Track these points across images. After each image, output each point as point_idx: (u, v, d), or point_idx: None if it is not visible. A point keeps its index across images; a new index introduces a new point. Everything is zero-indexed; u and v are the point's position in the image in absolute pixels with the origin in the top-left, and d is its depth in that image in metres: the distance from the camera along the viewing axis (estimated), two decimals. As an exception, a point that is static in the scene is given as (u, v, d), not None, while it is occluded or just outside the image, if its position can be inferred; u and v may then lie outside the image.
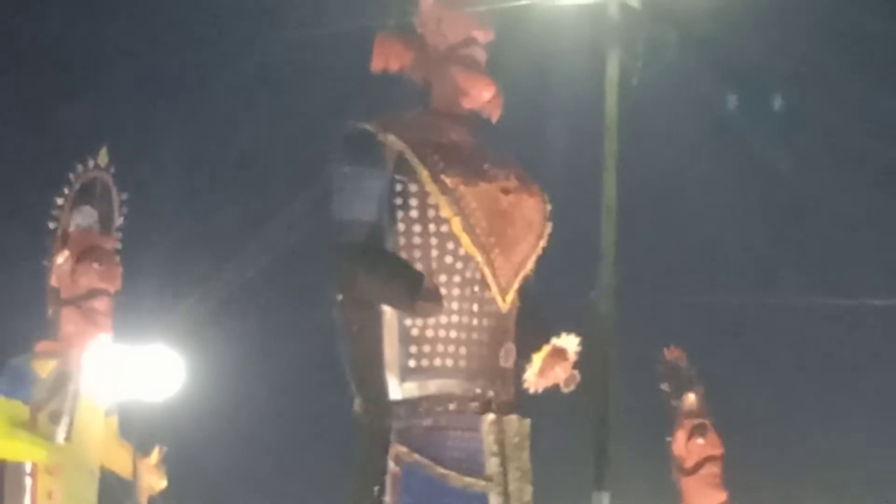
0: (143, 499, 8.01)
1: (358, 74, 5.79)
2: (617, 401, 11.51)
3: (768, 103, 16.14)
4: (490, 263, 5.39)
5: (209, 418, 11.13)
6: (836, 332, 15.92)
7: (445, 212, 5.33)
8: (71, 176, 8.05)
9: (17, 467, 7.57)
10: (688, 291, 15.42)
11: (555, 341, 5.41)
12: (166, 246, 11.92)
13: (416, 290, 5.17)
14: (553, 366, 5.39)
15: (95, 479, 7.72)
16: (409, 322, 5.31)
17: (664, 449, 11.01)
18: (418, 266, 5.30)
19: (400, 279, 5.24)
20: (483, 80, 5.57)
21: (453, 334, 5.34)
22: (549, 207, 5.66)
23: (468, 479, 5.29)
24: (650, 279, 15.08)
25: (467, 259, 5.37)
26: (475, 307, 5.38)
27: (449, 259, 5.35)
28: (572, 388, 5.48)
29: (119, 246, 8.07)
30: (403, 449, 5.28)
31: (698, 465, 10.80)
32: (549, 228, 5.63)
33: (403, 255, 5.32)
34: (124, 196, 8.12)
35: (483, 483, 5.31)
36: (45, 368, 7.66)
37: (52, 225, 7.99)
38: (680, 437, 10.92)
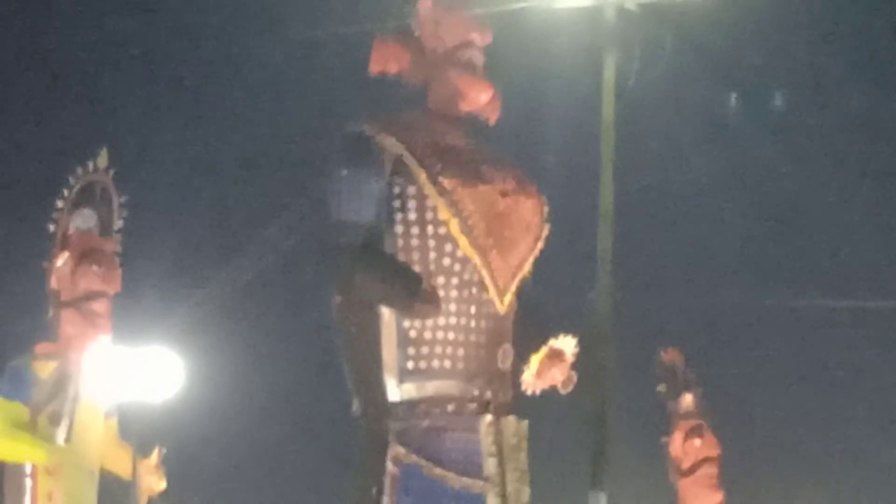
0: (143, 500, 8.00)
1: (356, 77, 5.80)
2: (614, 402, 11.52)
3: (764, 106, 16.17)
4: (488, 265, 5.39)
5: (208, 420, 11.12)
6: (832, 333, 15.95)
7: (443, 214, 5.34)
8: (70, 178, 8.02)
9: (17, 468, 7.56)
10: (684, 293, 15.45)
11: (552, 343, 5.40)
12: (166, 248, 11.92)
13: (414, 292, 5.19)
14: (551, 367, 5.38)
15: (95, 480, 7.71)
16: (407, 324, 5.31)
17: (661, 450, 11.04)
18: (416, 268, 5.31)
19: (398, 281, 5.26)
20: (481, 82, 5.57)
21: (451, 336, 5.34)
22: (546, 209, 5.67)
23: (466, 480, 5.29)
24: (647, 281, 15.10)
25: (465, 261, 5.37)
26: (473, 309, 5.39)
27: (447, 261, 5.36)
28: (570, 389, 5.47)
29: (119, 248, 8.03)
30: (402, 450, 5.28)
31: (695, 466, 10.82)
32: (546, 230, 5.63)
33: (402, 256, 5.33)
34: (124, 199, 8.09)
35: (481, 484, 5.31)
36: (45, 370, 7.64)
37: (51, 227, 7.96)
38: (677, 438, 10.94)
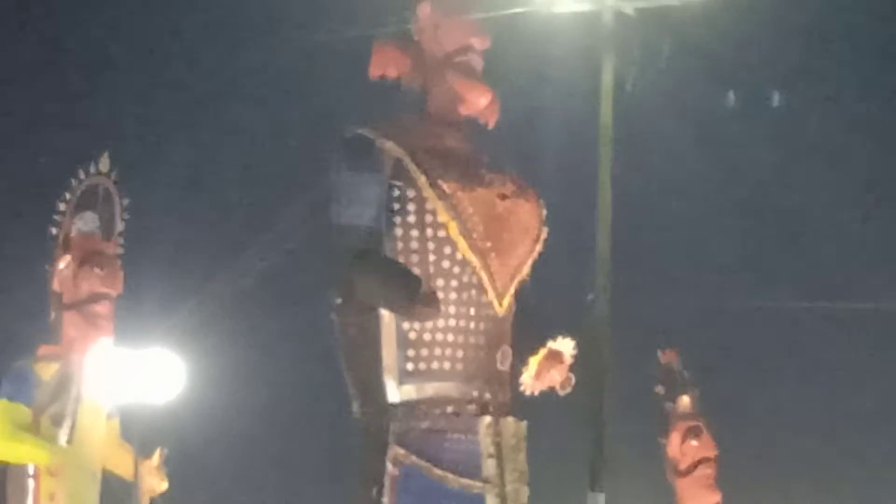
0: (145, 500, 8.02)
1: (357, 81, 5.82)
2: (612, 403, 11.52)
3: (761, 108, 16.17)
4: (487, 268, 5.42)
5: (209, 421, 11.14)
6: (830, 335, 15.94)
7: (442, 217, 5.36)
8: (73, 182, 8.07)
9: (20, 469, 7.61)
10: (682, 295, 15.45)
11: (551, 344, 5.43)
12: (167, 251, 11.91)
13: (413, 294, 5.20)
14: (549, 369, 5.41)
15: (97, 480, 7.77)
16: (406, 326, 5.34)
17: (659, 450, 11.06)
18: (416, 270, 5.33)
19: (398, 283, 5.27)
20: (480, 86, 5.60)
21: (450, 338, 5.37)
22: (545, 212, 5.69)
23: (465, 481, 5.31)
24: (644, 283, 15.09)
25: (464, 263, 5.39)
26: (472, 311, 5.41)
27: (446, 263, 5.38)
28: (568, 390, 5.50)
29: (120, 251, 8.08)
30: (402, 451, 5.31)
31: (692, 467, 10.83)
32: (545, 233, 5.65)
33: (401, 259, 5.35)
34: (126, 202, 8.13)
35: (480, 484, 5.33)
36: (47, 371, 7.68)
37: (54, 230, 8.00)
38: (674, 438, 10.95)
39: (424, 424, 5.34)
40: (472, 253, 5.39)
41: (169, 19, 14.40)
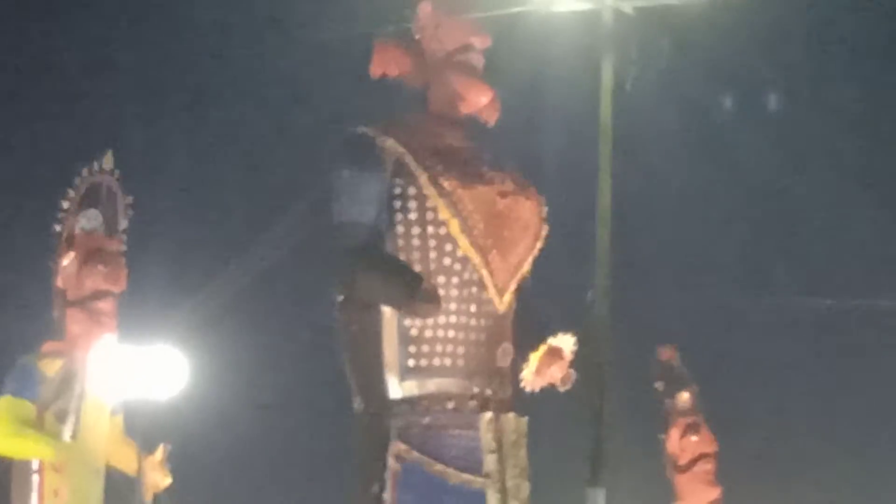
0: (148, 495, 7.99)
1: (358, 80, 5.84)
2: (612, 399, 11.55)
3: (759, 108, 16.18)
4: (487, 265, 5.44)
5: (213, 417, 11.15)
6: (827, 331, 15.98)
7: (443, 214, 5.38)
8: (76, 179, 8.06)
9: (25, 465, 7.61)
10: (681, 292, 15.48)
11: (551, 341, 5.44)
12: (170, 248, 11.92)
13: (414, 291, 5.21)
14: (549, 365, 5.42)
15: (101, 476, 7.78)
16: (408, 322, 5.36)
17: (658, 446, 11.10)
18: (417, 267, 5.35)
19: (399, 280, 5.28)
20: (480, 85, 5.62)
21: (451, 334, 5.38)
22: (545, 210, 5.71)
23: (466, 476, 5.33)
24: (644, 280, 15.11)
25: (465, 260, 5.41)
26: (473, 308, 5.43)
27: (447, 260, 5.40)
28: (568, 386, 5.51)
29: (124, 248, 8.07)
30: (403, 447, 5.32)
31: (692, 463, 10.89)
32: (545, 230, 5.67)
33: (402, 256, 5.38)
34: (129, 199, 8.13)
35: (481, 480, 5.35)
36: (51, 368, 7.69)
37: (57, 228, 8.00)
38: (674, 434, 11.01)
39: (426, 420, 5.35)
40: (473, 250, 5.41)
41: (171, 19, 14.41)
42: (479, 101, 5.64)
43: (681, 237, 15.78)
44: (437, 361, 5.38)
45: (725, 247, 16.23)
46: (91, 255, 7.89)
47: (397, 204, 5.41)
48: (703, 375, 11.24)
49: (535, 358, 5.44)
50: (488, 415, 5.40)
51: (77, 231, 7.97)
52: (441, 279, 5.38)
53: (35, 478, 7.60)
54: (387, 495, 5.30)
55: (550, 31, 11.01)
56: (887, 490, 14.30)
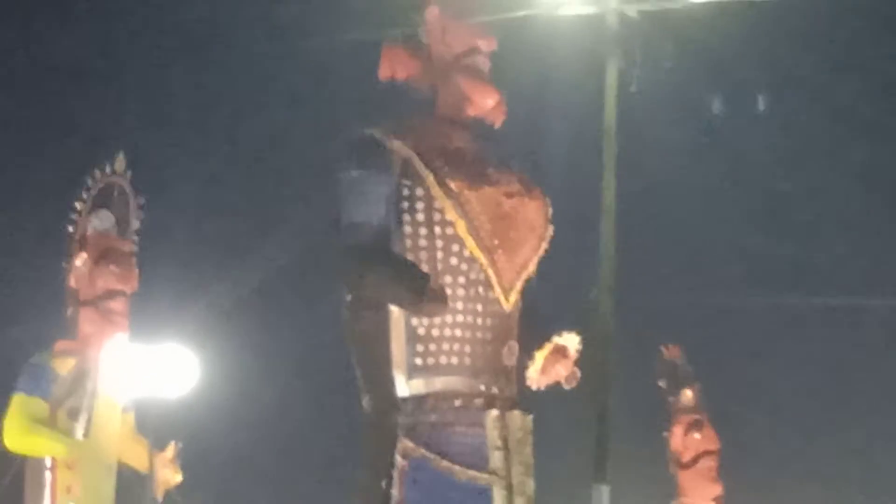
0: (159, 492, 8.08)
1: (366, 83, 5.88)
2: (616, 397, 11.57)
3: (761, 110, 16.17)
4: (493, 265, 5.47)
5: (222, 414, 11.15)
6: (830, 330, 15.98)
7: (450, 215, 5.42)
8: (89, 181, 8.16)
9: (38, 462, 7.70)
10: (684, 291, 15.49)
11: (556, 339, 5.48)
12: (181, 249, 11.96)
13: (422, 291, 5.24)
14: (555, 363, 5.46)
15: (113, 473, 7.87)
16: (415, 321, 5.39)
17: (662, 444, 11.13)
18: (424, 267, 5.39)
19: (406, 280, 5.31)
20: (487, 87, 5.66)
21: (458, 333, 5.42)
22: (550, 210, 5.75)
23: (473, 473, 5.36)
24: (648, 280, 15.12)
25: (471, 261, 5.45)
26: (479, 307, 5.46)
27: (454, 260, 5.44)
28: (573, 385, 5.55)
29: (135, 248, 8.17)
30: (410, 444, 5.35)
31: (695, 460, 10.92)
32: (550, 231, 5.71)
33: (410, 256, 5.42)
34: (141, 200, 8.23)
35: (487, 477, 5.38)
36: (64, 367, 7.77)
37: (70, 228, 8.09)
38: (677, 432, 11.04)
39: (432, 418, 5.38)
40: (480, 250, 5.45)
41: (183, 21, 14.44)
42: (485, 103, 5.67)
43: (684, 237, 15.79)
44: (443, 360, 5.42)
45: (728, 246, 16.23)
46: (103, 256, 7.98)
47: (405, 205, 5.45)
48: (705, 373, 11.26)
49: (540, 356, 5.48)
50: (494, 412, 5.44)
51: (89, 232, 8.06)
52: (448, 279, 5.42)
53: (48, 475, 7.68)
54: (394, 492, 5.33)
55: (555, 35, 11.01)
56: (887, 488, 14.30)
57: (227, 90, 14.59)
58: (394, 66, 5.73)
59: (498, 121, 5.76)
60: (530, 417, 5.55)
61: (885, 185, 15.81)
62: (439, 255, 5.44)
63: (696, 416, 11.02)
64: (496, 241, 5.50)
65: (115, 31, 14.83)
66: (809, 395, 15.55)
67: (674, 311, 14.73)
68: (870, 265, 15.84)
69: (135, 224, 8.20)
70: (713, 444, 10.96)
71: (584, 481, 11.47)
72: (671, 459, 11.03)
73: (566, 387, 5.58)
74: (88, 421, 7.74)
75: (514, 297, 5.56)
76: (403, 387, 5.43)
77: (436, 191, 5.44)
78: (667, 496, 11.09)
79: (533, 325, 5.61)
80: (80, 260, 8.00)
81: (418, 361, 5.41)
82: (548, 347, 5.49)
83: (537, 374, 5.49)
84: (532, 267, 5.66)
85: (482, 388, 5.46)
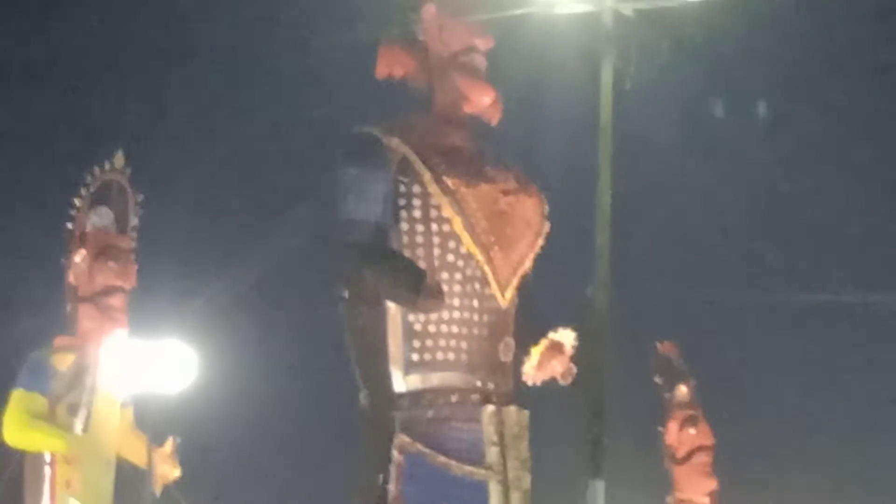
0: (158, 487, 8.10)
1: (364, 81, 5.90)
2: (612, 393, 11.59)
3: (757, 108, 16.20)
4: (490, 261, 5.51)
5: (221, 410, 11.14)
6: (825, 328, 15.98)
7: (447, 212, 5.46)
8: (88, 178, 8.17)
9: (37, 457, 7.72)
10: (679, 288, 15.51)
11: (552, 336, 5.52)
12: (180, 245, 11.98)
13: (418, 287, 5.29)
14: (551, 359, 5.50)
15: (112, 468, 7.89)
16: (412, 317, 5.43)
17: (657, 439, 11.17)
18: (421, 264, 5.42)
19: (403, 277, 5.36)
20: (483, 85, 5.70)
21: (455, 329, 5.46)
22: (546, 208, 5.78)
23: (469, 468, 5.41)
24: (643, 276, 15.14)
25: (468, 257, 5.49)
26: (476, 303, 5.50)
27: (450, 257, 5.48)
28: (569, 380, 5.59)
29: (134, 245, 8.17)
30: (407, 439, 5.40)
31: (690, 455, 10.95)
32: (546, 228, 5.75)
33: (407, 253, 5.46)
34: (140, 197, 8.24)
35: (483, 471, 5.43)
36: (63, 362, 7.79)
37: (70, 225, 8.10)
38: (672, 427, 11.07)
39: (429, 413, 5.43)
40: (476, 247, 5.49)
41: (182, 19, 14.44)
42: (482, 101, 5.71)
43: (680, 234, 15.81)
44: (440, 356, 5.46)
45: (724, 244, 16.25)
46: (102, 252, 7.99)
47: (402, 202, 5.48)
48: (700, 369, 11.30)
49: (536, 352, 5.52)
50: (490, 408, 5.47)
51: (88, 228, 8.07)
52: (444, 275, 5.46)
53: (47, 470, 7.70)
54: (391, 487, 5.38)
55: (551, 33, 11.02)
56: (884, 486, 14.33)
57: (226, 87, 14.61)
58: (391, 65, 5.76)
59: (494, 118, 5.79)
60: (526, 413, 5.59)
61: (884, 183, 15.83)
62: (436, 251, 5.48)
63: (691, 412, 11.05)
64: (492, 238, 5.54)
65: (114, 29, 14.85)
66: (805, 391, 15.57)
67: (669, 307, 14.76)
68: (869, 264, 15.86)
69: (133, 221, 8.21)
70: (708, 440, 10.99)
71: (579, 476, 11.48)
72: (666, 455, 11.07)
73: (562, 382, 5.61)
74: (87, 416, 7.76)
75: (510, 293, 5.60)
76: (400, 382, 5.47)
77: (433, 188, 5.48)
78: (662, 491, 11.14)
79: (529, 322, 5.65)
80: (80, 256, 8.02)
81: (415, 357, 5.45)
82: (544, 343, 5.53)
83: (533, 370, 5.53)
84: (528, 263, 5.69)
85: (478, 383, 5.50)
